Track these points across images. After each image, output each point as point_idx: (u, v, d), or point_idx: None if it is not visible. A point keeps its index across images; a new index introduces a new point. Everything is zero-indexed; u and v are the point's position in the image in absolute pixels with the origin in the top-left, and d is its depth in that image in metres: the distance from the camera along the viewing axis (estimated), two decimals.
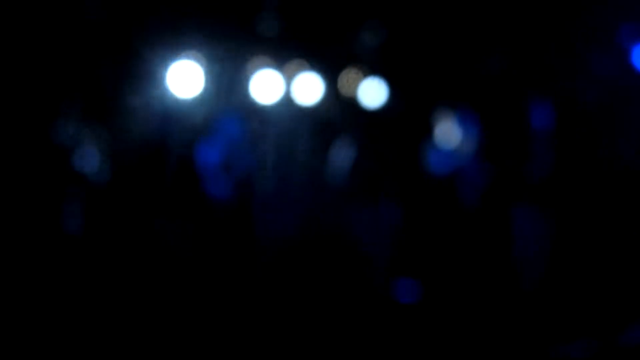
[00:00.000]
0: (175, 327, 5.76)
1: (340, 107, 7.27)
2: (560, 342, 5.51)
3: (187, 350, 5.54)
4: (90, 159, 5.85)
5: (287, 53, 7.05)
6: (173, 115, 5.91)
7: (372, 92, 7.30)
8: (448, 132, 6.75)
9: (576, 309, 6.35)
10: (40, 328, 5.13)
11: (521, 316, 6.51)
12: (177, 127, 5.99)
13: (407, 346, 5.83)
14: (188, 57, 6.42)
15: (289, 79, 7.25)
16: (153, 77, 6.37)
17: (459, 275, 6.57)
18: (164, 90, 6.37)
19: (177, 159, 6.01)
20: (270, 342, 5.92)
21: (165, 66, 6.39)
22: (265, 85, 6.96)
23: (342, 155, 6.44)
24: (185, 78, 6.41)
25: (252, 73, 6.96)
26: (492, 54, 6.85)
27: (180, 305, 5.90)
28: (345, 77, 7.18)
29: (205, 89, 6.55)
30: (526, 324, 6.32)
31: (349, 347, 5.84)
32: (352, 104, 7.16)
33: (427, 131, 6.82)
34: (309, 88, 7.15)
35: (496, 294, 6.92)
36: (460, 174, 6.62)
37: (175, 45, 6.40)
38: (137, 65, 6.39)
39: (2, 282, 5.19)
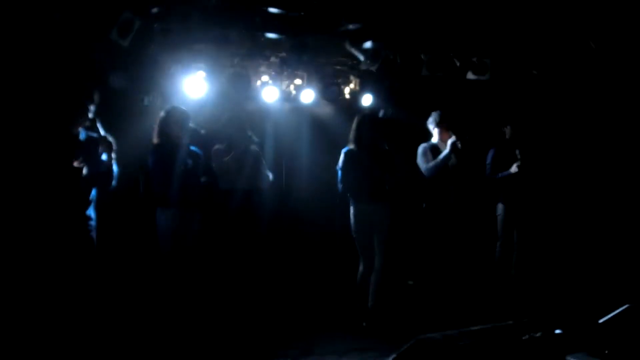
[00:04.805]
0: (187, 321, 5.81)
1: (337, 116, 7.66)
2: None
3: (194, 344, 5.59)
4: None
5: (288, 71, 7.46)
6: (190, 117, 5.96)
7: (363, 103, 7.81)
8: (431, 135, 6.85)
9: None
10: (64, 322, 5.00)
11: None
12: (192, 127, 6.02)
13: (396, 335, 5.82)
14: (200, 69, 6.95)
15: (288, 93, 7.72)
16: (174, 85, 6.92)
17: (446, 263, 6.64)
18: (183, 95, 6.90)
19: (190, 155, 5.95)
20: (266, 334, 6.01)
21: (184, 77, 6.93)
22: (268, 97, 7.44)
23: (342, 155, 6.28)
24: (200, 88, 6.96)
25: (256, 87, 7.44)
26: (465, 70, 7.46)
27: (189, 296, 5.87)
28: (337, 92, 7.53)
29: (216, 97, 7.08)
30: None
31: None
32: (346, 113, 7.40)
33: (414, 135, 6.98)
34: (306, 98, 7.61)
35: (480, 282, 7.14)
36: (442, 170, 6.62)
37: (193, 63, 6.94)
38: (162, 77, 6.99)
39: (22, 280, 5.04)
